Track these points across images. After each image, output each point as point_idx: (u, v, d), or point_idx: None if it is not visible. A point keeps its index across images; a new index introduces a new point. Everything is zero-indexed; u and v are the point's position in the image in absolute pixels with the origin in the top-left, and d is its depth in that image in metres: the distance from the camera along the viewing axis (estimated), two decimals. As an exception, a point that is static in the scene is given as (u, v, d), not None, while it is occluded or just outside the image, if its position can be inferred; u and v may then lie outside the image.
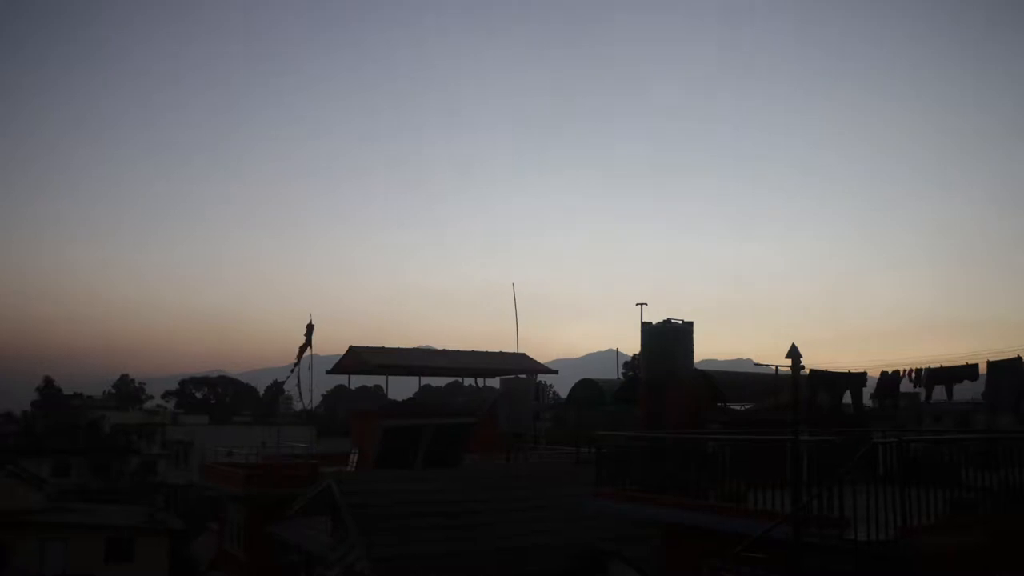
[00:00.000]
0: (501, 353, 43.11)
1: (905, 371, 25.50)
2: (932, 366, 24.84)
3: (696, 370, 31.94)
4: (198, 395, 73.19)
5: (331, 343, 49.38)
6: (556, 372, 49.57)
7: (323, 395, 65.47)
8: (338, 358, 40.53)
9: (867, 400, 26.40)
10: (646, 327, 33.41)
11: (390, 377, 43.33)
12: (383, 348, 40.80)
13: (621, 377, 42.21)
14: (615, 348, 49.08)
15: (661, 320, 33.12)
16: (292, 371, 42.22)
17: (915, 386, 25.26)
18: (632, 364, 46.03)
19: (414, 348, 44.29)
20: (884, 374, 26.02)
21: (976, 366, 24.31)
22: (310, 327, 43.69)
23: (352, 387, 48.20)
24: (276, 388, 74.83)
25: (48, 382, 70.31)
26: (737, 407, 26.78)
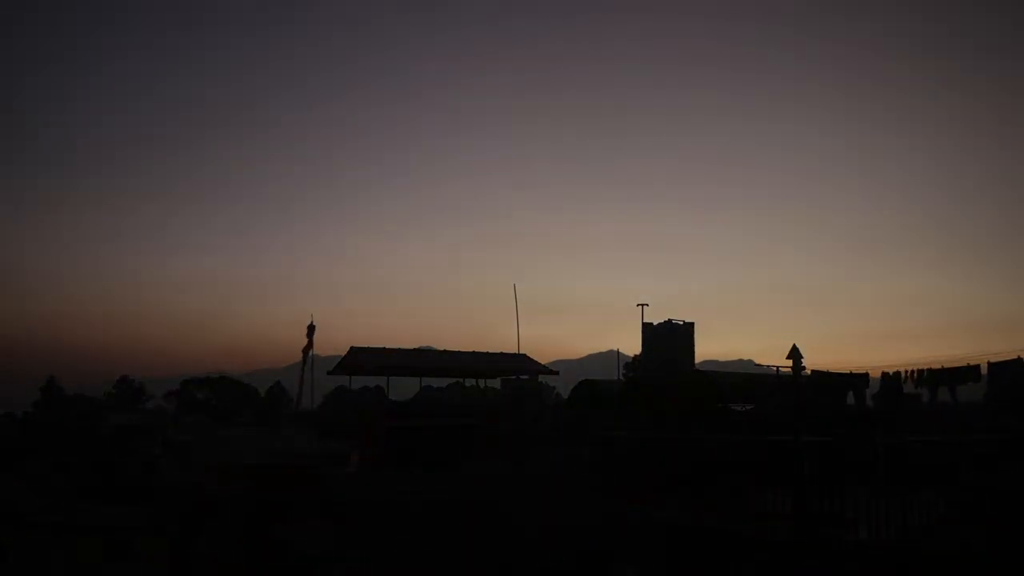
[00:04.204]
0: (502, 354, 43.10)
1: (907, 372, 25.53)
2: (934, 367, 24.87)
3: (697, 371, 32.03)
4: (199, 396, 73.07)
5: (332, 344, 49.46)
6: (557, 373, 49.56)
7: (324, 396, 65.48)
8: (339, 359, 40.54)
9: (869, 401, 26.42)
10: (647, 327, 33.52)
11: (391, 378, 43.35)
12: (384, 349, 40.81)
13: (622, 378, 42.24)
14: (616, 349, 49.12)
15: (662, 320, 33.13)
16: (300, 375, 42.26)
17: (917, 387, 25.30)
18: (633, 365, 46.03)
19: (415, 349, 44.32)
20: (886, 375, 26.05)
21: (978, 367, 24.32)
22: (311, 328, 43.77)
23: (353, 388, 48.25)
24: (277, 388, 74.79)
25: (51, 381, 70.28)
26: (738, 408, 26.76)
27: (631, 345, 39.63)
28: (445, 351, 45.17)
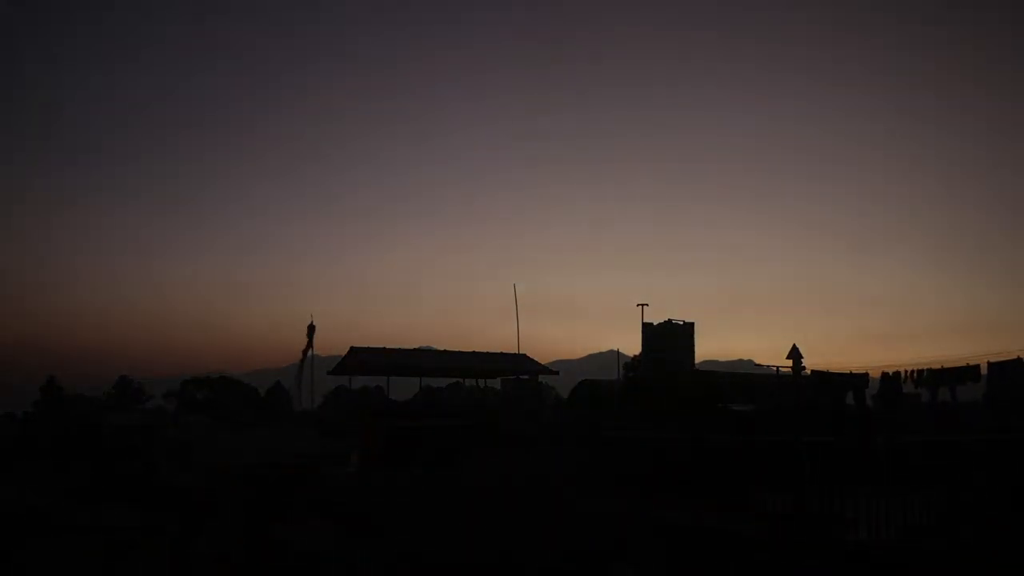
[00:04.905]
0: (502, 354, 43.16)
1: (907, 372, 25.58)
2: (934, 367, 24.92)
3: (697, 371, 32.05)
4: (199, 396, 73.08)
5: (332, 344, 49.46)
6: (557, 373, 49.61)
7: (324, 396, 65.52)
8: (339, 359, 40.58)
9: (869, 401, 26.44)
10: (647, 327, 33.51)
11: (391, 378, 43.39)
12: (384, 349, 40.87)
13: (622, 378, 42.24)
14: (616, 349, 49.12)
15: (662, 320, 33.12)
16: (298, 376, 42.31)
17: (917, 387, 25.34)
18: (633, 365, 46.06)
19: (415, 349, 44.37)
20: (885, 375, 26.09)
21: (977, 367, 24.38)
22: (311, 328, 43.85)
23: (353, 388, 48.30)
24: (277, 388, 74.82)
25: (51, 381, 70.30)
26: (738, 408, 26.79)
27: (631, 345, 39.63)
28: (445, 351, 45.24)
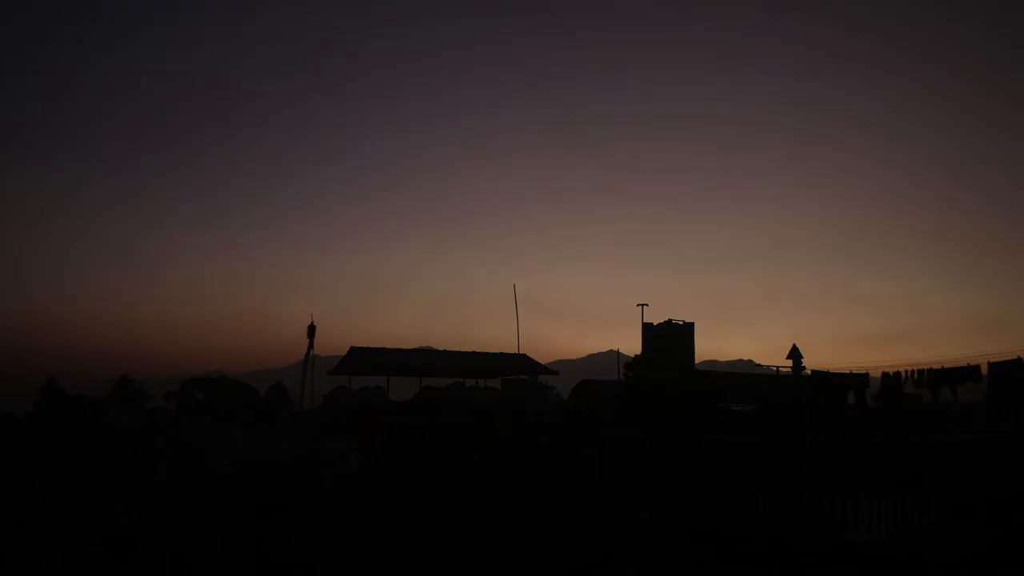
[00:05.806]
0: (502, 354, 43.14)
1: (907, 372, 25.60)
2: (934, 367, 24.95)
3: (697, 371, 32.01)
4: (199, 396, 73.03)
5: (332, 344, 49.49)
6: (557, 373, 49.59)
7: (324, 396, 65.50)
8: (339, 359, 40.57)
9: (869, 401, 26.44)
10: (647, 328, 33.49)
11: (391, 378, 43.38)
12: (384, 349, 40.87)
13: (622, 378, 42.20)
14: (616, 349, 49.09)
15: (662, 321, 33.11)
16: (304, 373, 42.29)
17: (917, 387, 25.36)
18: (633, 365, 46.01)
19: (415, 349, 44.35)
20: (886, 375, 26.10)
21: (978, 367, 24.40)
22: (312, 328, 43.79)
23: (353, 388, 48.29)
24: (277, 388, 74.78)
25: (51, 381, 70.23)
26: (738, 408, 26.76)
27: (631, 345, 39.59)
28: (445, 351, 45.22)
